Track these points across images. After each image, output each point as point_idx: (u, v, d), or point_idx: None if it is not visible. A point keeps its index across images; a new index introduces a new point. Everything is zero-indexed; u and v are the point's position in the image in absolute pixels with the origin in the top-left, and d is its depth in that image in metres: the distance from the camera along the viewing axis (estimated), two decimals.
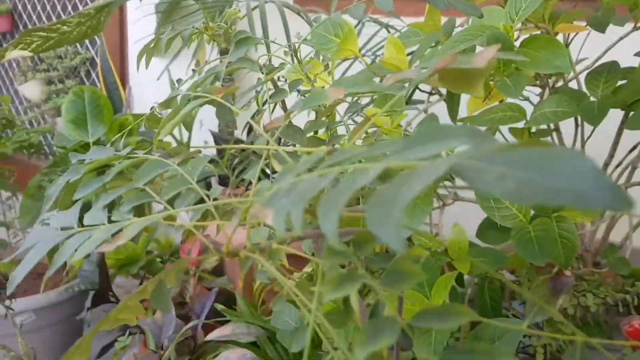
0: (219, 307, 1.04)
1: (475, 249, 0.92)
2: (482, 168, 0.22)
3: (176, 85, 0.62)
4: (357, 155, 0.31)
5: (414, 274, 0.35)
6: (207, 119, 2.04)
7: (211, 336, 0.88)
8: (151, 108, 0.58)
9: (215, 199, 0.52)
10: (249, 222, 0.41)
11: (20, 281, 1.45)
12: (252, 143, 1.70)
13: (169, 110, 0.67)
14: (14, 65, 2.83)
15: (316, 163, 0.32)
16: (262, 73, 0.55)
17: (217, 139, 1.73)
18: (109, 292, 1.31)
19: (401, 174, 0.25)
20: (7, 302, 1.36)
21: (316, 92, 0.47)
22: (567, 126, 1.06)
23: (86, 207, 0.51)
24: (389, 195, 0.24)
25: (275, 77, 0.87)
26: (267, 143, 0.52)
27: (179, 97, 0.89)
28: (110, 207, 0.50)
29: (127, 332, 1.11)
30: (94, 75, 2.54)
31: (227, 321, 1.01)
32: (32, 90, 2.60)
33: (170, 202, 0.51)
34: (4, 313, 1.35)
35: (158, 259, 1.52)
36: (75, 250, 0.44)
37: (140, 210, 0.55)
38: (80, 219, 0.49)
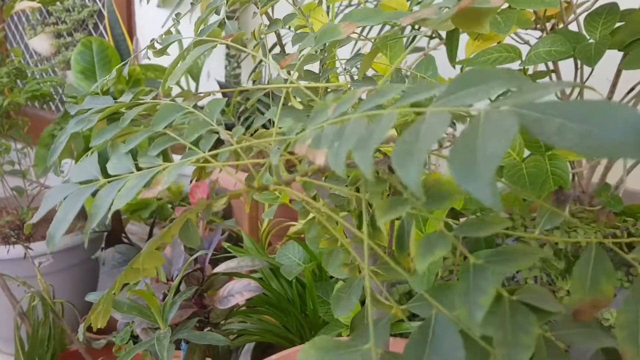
0: (226, 244, 1.10)
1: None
2: (542, 119, 0.23)
3: (175, 19, 0.64)
4: (402, 97, 0.30)
5: (456, 192, 0.37)
6: (213, 70, 2.06)
7: (218, 269, 0.94)
8: (151, 40, 0.59)
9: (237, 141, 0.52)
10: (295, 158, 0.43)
11: (37, 227, 1.50)
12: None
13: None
14: (24, 19, 2.84)
15: (355, 104, 0.33)
16: (258, 7, 0.57)
17: (222, 87, 1.76)
18: (121, 234, 1.37)
19: (469, 126, 0.25)
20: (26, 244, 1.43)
21: (329, 27, 0.46)
22: (566, 69, 1.07)
23: (101, 157, 0.48)
24: (471, 150, 0.24)
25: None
26: (286, 81, 0.53)
27: (180, 42, 0.90)
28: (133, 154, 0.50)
29: None
30: (101, 27, 2.55)
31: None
32: (41, 43, 2.62)
33: (194, 144, 0.49)
34: (23, 255, 1.41)
35: (168, 205, 1.57)
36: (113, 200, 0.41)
37: (164, 155, 0.54)
38: (102, 170, 0.45)
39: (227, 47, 2.13)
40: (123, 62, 0.59)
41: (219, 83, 1.81)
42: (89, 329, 1.40)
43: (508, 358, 0.28)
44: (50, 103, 2.65)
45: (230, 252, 1.07)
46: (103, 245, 1.43)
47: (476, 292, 0.30)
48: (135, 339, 1.05)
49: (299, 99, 0.50)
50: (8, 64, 1.57)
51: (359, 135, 0.28)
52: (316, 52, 0.56)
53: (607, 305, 0.34)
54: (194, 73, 1.94)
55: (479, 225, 0.34)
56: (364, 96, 0.35)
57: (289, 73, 0.53)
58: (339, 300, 0.39)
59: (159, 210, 1.50)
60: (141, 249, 1.36)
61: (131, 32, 2.38)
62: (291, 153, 0.40)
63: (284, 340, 1.01)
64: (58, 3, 2.56)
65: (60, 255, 1.56)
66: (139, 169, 0.43)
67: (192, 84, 1.94)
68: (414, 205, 0.35)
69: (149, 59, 0.61)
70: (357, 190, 0.46)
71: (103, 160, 0.42)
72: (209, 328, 0.92)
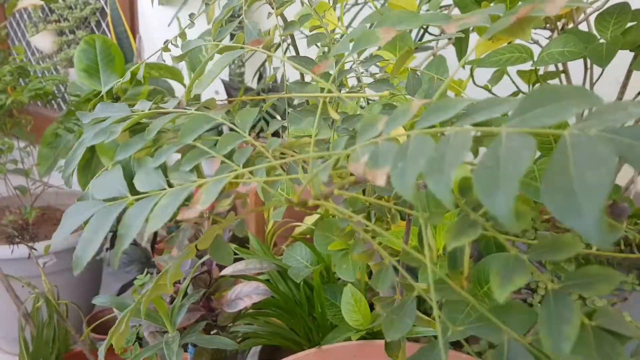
0: (232, 246, 1.09)
1: None
2: (635, 146, 0.22)
3: (189, 20, 0.63)
4: (464, 114, 0.29)
5: (527, 212, 0.35)
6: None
7: (226, 271, 0.93)
8: (165, 42, 0.58)
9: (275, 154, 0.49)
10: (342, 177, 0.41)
11: (40, 226, 1.48)
12: (263, 90, 1.71)
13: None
14: (26, 17, 2.83)
15: (411, 118, 0.32)
16: (273, 8, 0.56)
17: (228, 87, 1.74)
18: None
19: (556, 151, 0.23)
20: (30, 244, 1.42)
21: (365, 32, 0.44)
22: (575, 70, 1.06)
23: (126, 173, 0.44)
24: (566, 180, 0.22)
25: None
26: (322, 90, 0.51)
27: (200, 46, 0.89)
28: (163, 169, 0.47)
29: (146, 271, 1.15)
30: (104, 25, 2.53)
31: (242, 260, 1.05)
32: (43, 41, 2.61)
33: (229, 158, 0.47)
34: (27, 255, 1.40)
35: None
36: (147, 220, 0.38)
37: (197, 170, 0.51)
38: (129, 185, 0.43)
39: None
40: (137, 64, 0.57)
41: (224, 82, 1.79)
42: (93, 329, 1.39)
43: None
44: (53, 101, 2.64)
45: (237, 254, 1.06)
46: (108, 245, 1.43)
47: (560, 322, 0.28)
48: (140, 340, 1.04)
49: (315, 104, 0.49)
50: (11, 62, 1.56)
51: (428, 156, 0.26)
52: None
53: None
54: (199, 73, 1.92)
55: (555, 246, 0.33)
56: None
57: (302, 76, 0.52)
58: (392, 322, 0.38)
59: None
60: (146, 250, 1.33)
61: (134, 29, 2.36)
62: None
63: (292, 343, 1.00)
64: (60, 0, 2.55)
65: (64, 255, 1.55)
66: (170, 185, 0.41)
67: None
68: (484, 227, 0.33)
69: (164, 60, 0.60)
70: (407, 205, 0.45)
71: (129, 176, 0.40)
72: (216, 331, 0.91)
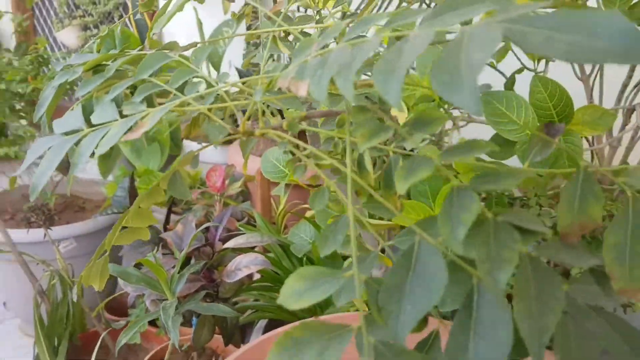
0: (239, 224, 1.10)
1: (481, 163, 0.93)
2: (528, 32, 0.23)
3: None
4: (384, 25, 0.30)
5: (440, 117, 0.36)
6: (235, 58, 2.08)
7: (227, 244, 0.94)
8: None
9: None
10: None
11: (61, 213, 1.51)
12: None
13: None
14: (52, 13, 2.90)
15: (340, 35, 0.34)
16: None
17: (242, 75, 1.77)
18: None
19: (453, 40, 0.25)
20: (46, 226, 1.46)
21: None
22: None
23: (86, 110, 0.48)
24: (455, 62, 0.23)
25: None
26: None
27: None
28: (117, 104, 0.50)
29: (155, 248, 1.18)
30: (126, 19, 2.59)
31: None
32: (69, 36, 2.67)
33: (180, 91, 0.48)
34: (45, 238, 1.44)
35: None
36: (97, 146, 0.41)
37: (149, 104, 0.54)
38: (87, 121, 0.45)
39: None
40: (120, 20, 0.59)
41: (238, 70, 1.82)
42: (108, 310, 1.43)
43: (490, 273, 0.28)
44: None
45: (241, 231, 1.08)
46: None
47: (459, 210, 0.30)
48: None
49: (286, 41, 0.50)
50: (31, 52, 1.60)
51: (342, 61, 0.28)
52: None
53: (595, 227, 0.33)
54: (215, 62, 1.95)
55: (497, 177, 0.33)
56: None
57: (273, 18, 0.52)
58: (326, 239, 0.39)
59: None
60: (159, 231, 1.35)
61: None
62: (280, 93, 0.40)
63: (295, 317, 1.02)
64: None
65: (84, 240, 1.59)
66: (123, 117, 0.43)
67: (213, 73, 1.95)
68: (397, 131, 0.34)
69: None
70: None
71: (89, 113, 0.43)
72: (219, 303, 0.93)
